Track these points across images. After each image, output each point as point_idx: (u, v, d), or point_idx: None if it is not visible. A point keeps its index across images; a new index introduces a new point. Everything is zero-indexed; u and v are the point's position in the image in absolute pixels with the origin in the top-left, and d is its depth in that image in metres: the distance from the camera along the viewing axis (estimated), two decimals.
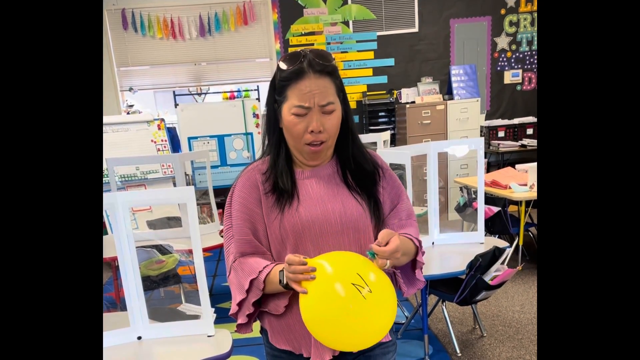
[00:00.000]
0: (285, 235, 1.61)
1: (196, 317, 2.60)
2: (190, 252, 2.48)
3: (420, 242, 1.72)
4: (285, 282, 1.49)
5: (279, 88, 1.60)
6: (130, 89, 7.23)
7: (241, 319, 1.63)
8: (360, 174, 1.70)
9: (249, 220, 1.64)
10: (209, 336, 2.48)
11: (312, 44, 7.43)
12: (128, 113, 6.84)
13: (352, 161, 1.70)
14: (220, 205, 6.69)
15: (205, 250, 2.53)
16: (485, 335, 3.93)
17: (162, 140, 6.35)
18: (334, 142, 1.65)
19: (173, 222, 4.44)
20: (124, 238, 2.42)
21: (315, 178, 1.67)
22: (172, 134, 6.75)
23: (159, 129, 6.41)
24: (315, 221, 1.60)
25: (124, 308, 2.53)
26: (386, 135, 4.99)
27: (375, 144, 4.87)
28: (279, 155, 1.66)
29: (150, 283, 3.36)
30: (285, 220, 1.60)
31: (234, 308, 1.63)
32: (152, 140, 6.29)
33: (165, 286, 3.53)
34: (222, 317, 2.53)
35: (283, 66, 1.56)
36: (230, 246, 1.66)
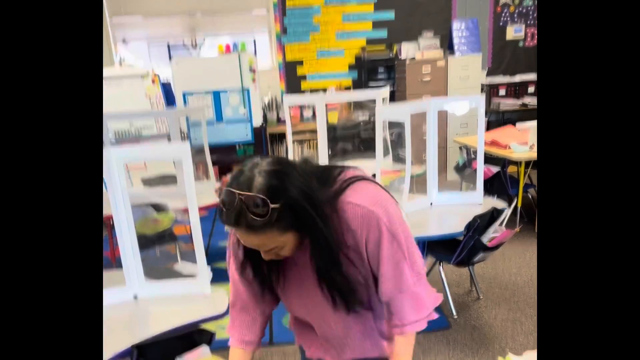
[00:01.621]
0: None
1: (192, 276, 2.62)
2: (186, 210, 2.48)
3: (418, 320, 1.60)
4: None
5: None
6: (124, 41, 7.15)
7: None
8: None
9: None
10: (205, 295, 2.51)
11: None
12: (121, 66, 6.78)
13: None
14: (216, 163, 6.70)
15: (201, 209, 2.55)
16: (481, 297, 3.99)
17: (156, 96, 6.31)
18: (293, 248, 1.45)
19: (168, 179, 4.45)
20: (118, 196, 2.43)
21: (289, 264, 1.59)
22: (167, 90, 6.70)
23: (153, 83, 6.36)
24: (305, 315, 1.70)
25: (119, 267, 2.55)
26: (385, 92, 4.96)
27: (374, 101, 4.85)
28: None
29: (145, 242, 3.38)
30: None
31: None
32: (146, 96, 6.25)
33: (160, 245, 3.56)
34: (218, 277, 2.55)
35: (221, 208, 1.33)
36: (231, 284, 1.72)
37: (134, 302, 2.54)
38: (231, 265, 1.64)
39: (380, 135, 3.90)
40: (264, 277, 1.59)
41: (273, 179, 1.28)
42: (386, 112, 4.07)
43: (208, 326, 2.35)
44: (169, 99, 6.65)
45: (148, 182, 4.61)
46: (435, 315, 1.61)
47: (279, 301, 1.74)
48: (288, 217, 1.31)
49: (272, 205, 1.27)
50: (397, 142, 4.92)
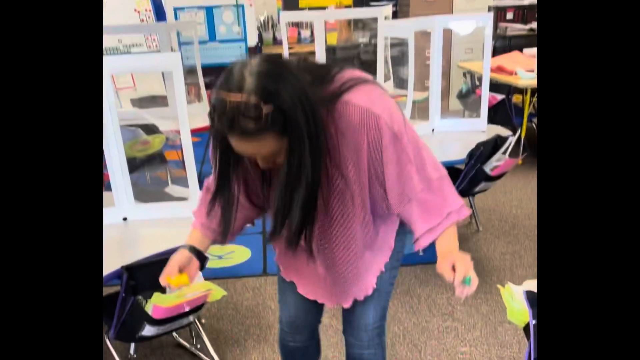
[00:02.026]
0: None
1: (183, 199, 2.60)
2: (177, 132, 2.43)
3: (450, 212, 1.54)
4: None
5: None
6: None
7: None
8: None
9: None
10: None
11: None
12: None
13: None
14: (209, 86, 6.57)
15: (193, 132, 2.49)
16: (480, 229, 3.99)
17: (146, 10, 6.13)
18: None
19: (159, 100, 4.37)
20: (106, 113, 2.35)
21: None
22: (157, 4, 6.50)
23: None
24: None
25: (108, 189, 2.52)
26: (387, 10, 4.82)
27: (375, 20, 4.72)
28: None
29: (135, 165, 3.34)
30: None
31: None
32: (135, 10, 6.07)
33: (151, 168, 3.52)
34: None
35: (212, 113, 1.27)
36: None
37: (123, 224, 2.52)
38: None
39: (382, 56, 3.82)
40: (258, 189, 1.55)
41: (265, 79, 1.21)
42: (389, 28, 3.97)
43: None
44: (159, 14, 6.46)
45: (137, 102, 4.54)
46: (463, 215, 1.55)
47: (261, 212, 1.68)
48: (283, 121, 1.23)
49: (265, 108, 1.19)
50: (398, 63, 4.83)
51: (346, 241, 1.61)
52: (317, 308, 1.91)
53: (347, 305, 1.76)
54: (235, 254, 3.60)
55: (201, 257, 1.63)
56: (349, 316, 1.85)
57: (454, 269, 1.43)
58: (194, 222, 1.67)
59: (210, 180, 1.59)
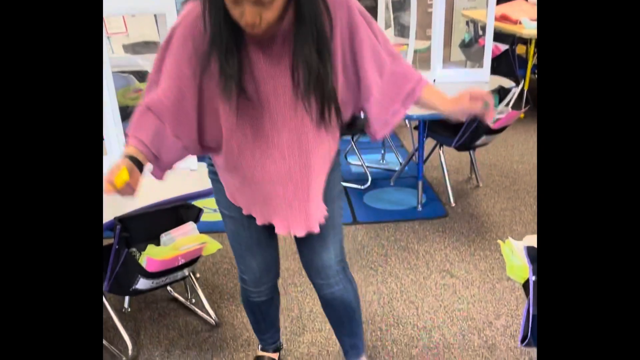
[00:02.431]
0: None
1: None
2: None
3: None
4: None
5: None
6: None
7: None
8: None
9: (179, 86, 1.55)
10: (191, 170, 2.49)
11: None
12: None
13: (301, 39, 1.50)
14: None
15: None
16: (481, 185, 4.01)
17: None
18: (274, 17, 1.41)
19: (152, 46, 4.30)
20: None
21: (262, 53, 1.53)
22: None
23: None
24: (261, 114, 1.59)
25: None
26: None
27: None
28: (223, 22, 1.43)
29: (128, 114, 3.30)
30: (232, 116, 1.58)
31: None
32: None
33: None
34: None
35: None
36: (149, 90, 1.63)
37: None
38: (175, 62, 1.55)
39: (383, 2, 3.78)
40: (232, 73, 1.49)
41: None
42: None
43: (195, 202, 2.36)
44: None
45: (130, 48, 4.47)
46: (425, 82, 1.71)
47: (197, 139, 1.65)
48: None
49: None
50: (399, 9, 4.78)
51: (316, 144, 1.65)
52: (276, 264, 2.01)
53: (316, 229, 1.75)
54: None
55: (140, 168, 1.59)
56: (312, 259, 1.91)
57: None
58: (129, 139, 1.62)
59: (153, 102, 1.60)
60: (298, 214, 1.72)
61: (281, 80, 1.53)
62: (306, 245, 1.89)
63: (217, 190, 1.84)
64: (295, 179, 1.66)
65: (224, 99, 1.52)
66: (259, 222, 1.77)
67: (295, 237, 1.81)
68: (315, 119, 1.58)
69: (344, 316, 2.04)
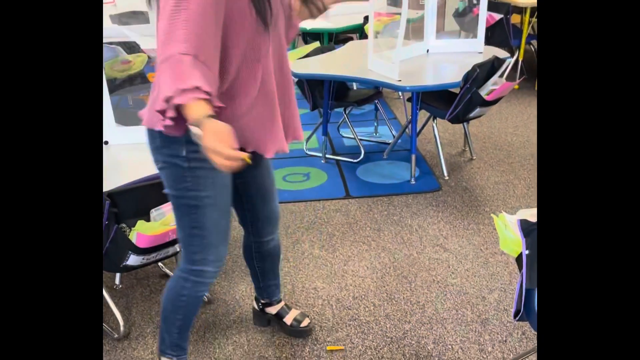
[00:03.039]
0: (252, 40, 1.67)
1: None
2: None
3: None
4: (199, 131, 1.44)
5: None
6: None
7: (169, 113, 1.50)
8: None
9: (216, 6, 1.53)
10: None
11: None
12: None
13: None
14: None
15: None
16: (474, 158, 4.05)
17: None
18: None
19: (140, 16, 4.28)
20: None
21: None
22: None
23: None
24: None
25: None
26: None
27: None
28: None
29: (116, 86, 3.32)
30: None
31: (161, 104, 1.48)
32: None
33: (132, 88, 3.50)
34: None
35: None
36: (179, 31, 1.48)
37: (105, 149, 2.53)
38: (196, 11, 1.49)
39: None
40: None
41: None
42: None
43: None
44: None
45: (117, 18, 4.45)
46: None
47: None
48: None
49: None
50: None
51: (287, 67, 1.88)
52: None
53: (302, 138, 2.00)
54: None
55: None
56: (272, 210, 2.14)
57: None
58: (197, 93, 1.45)
59: (195, 49, 1.49)
60: (290, 129, 1.92)
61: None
62: (265, 197, 2.08)
63: (201, 176, 1.74)
64: (286, 95, 1.87)
65: (249, 17, 1.62)
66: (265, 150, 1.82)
67: (250, 193, 2.04)
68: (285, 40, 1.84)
69: (277, 259, 2.32)
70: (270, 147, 1.81)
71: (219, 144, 1.40)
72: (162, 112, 1.49)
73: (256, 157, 1.95)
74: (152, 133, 1.72)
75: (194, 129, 1.45)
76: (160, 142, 1.71)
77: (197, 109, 1.44)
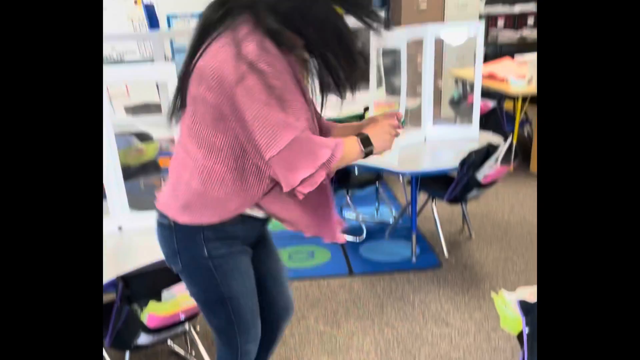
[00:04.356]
0: None
1: None
2: (171, 140, 2.43)
3: None
4: (371, 148, 1.57)
5: None
6: None
7: (298, 195, 1.50)
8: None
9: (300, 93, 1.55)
10: None
11: None
12: None
13: None
14: None
15: None
16: (473, 236, 4.00)
17: (139, 19, 6.13)
18: None
19: (152, 108, 4.35)
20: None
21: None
22: (150, 12, 6.50)
23: (135, 3, 6.17)
24: None
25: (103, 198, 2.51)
26: None
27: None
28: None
29: (129, 172, 3.32)
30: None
31: (289, 184, 1.46)
32: (128, 18, 6.08)
33: (145, 176, 3.51)
34: None
35: None
36: (280, 111, 1.42)
37: (118, 233, 2.50)
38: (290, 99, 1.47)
39: (374, 64, 3.82)
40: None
41: None
42: (381, 37, 3.98)
43: None
44: (153, 23, 6.46)
45: (131, 110, 4.52)
46: None
47: None
48: None
49: None
50: (391, 72, 4.84)
51: None
52: None
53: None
54: None
55: None
56: (284, 293, 1.98)
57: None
58: (335, 155, 1.49)
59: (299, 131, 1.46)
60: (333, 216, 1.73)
61: None
62: (277, 280, 1.94)
63: (227, 269, 1.68)
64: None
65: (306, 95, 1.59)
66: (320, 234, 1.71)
67: (263, 277, 1.86)
68: None
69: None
70: (329, 229, 1.70)
71: (387, 134, 1.60)
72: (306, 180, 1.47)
73: (262, 240, 1.87)
74: (166, 235, 1.67)
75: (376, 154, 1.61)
76: (177, 247, 1.66)
77: (351, 151, 1.56)
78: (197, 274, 1.69)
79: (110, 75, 2.54)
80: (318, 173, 1.46)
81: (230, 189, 1.55)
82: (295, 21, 1.44)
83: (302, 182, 1.45)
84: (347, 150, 1.52)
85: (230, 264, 1.68)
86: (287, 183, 1.47)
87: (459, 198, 3.52)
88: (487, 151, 3.37)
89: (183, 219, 1.60)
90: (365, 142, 1.55)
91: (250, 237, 1.74)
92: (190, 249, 1.64)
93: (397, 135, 1.62)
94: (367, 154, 1.57)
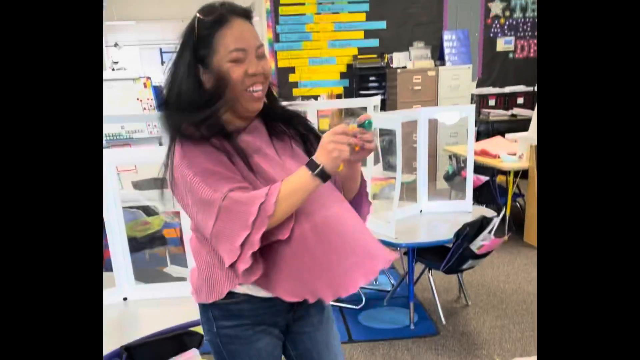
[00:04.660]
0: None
1: (182, 279, 2.61)
2: (176, 214, 2.48)
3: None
4: (321, 166, 1.37)
5: (201, 41, 1.44)
6: (116, 45, 7.12)
7: (244, 263, 1.38)
8: (290, 121, 1.66)
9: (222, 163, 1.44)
10: (194, 298, 2.50)
11: (303, 4, 7.35)
12: (113, 70, 6.75)
13: (279, 112, 1.64)
14: None
15: None
16: (470, 304, 3.99)
17: (147, 99, 6.29)
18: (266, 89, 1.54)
19: (159, 182, 4.41)
20: (110, 198, 2.42)
21: (252, 135, 1.54)
22: (159, 93, 6.67)
23: (145, 87, 6.34)
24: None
25: (109, 269, 2.54)
26: (376, 100, 4.97)
27: (365, 108, 4.86)
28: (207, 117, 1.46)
29: (136, 244, 3.36)
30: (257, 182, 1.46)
31: (231, 256, 1.38)
32: (137, 99, 6.23)
33: (151, 248, 3.54)
34: None
35: (203, 17, 1.44)
36: (204, 189, 1.40)
37: (123, 304, 2.52)
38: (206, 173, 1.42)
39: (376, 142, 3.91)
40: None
41: None
42: (378, 119, 4.08)
43: (197, 329, 2.34)
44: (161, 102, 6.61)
45: (138, 185, 4.58)
46: None
47: None
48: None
49: None
50: (387, 150, 4.94)
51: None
52: None
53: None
54: None
55: None
56: None
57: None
58: (271, 195, 1.37)
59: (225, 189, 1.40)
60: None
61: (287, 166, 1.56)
62: (331, 349, 1.74)
63: (234, 350, 1.62)
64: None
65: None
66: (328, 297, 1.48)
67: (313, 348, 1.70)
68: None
69: None
70: (353, 280, 1.46)
71: (330, 143, 1.38)
72: (234, 262, 1.39)
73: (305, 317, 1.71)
74: (201, 306, 1.67)
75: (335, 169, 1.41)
76: (202, 317, 1.69)
77: (297, 182, 1.40)
78: (212, 349, 1.68)
79: (122, 157, 2.64)
80: (255, 231, 1.35)
81: (212, 268, 1.54)
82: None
83: (242, 247, 1.36)
84: (291, 184, 1.38)
85: (238, 343, 1.61)
86: (228, 256, 1.39)
87: (454, 268, 3.54)
88: (481, 223, 3.41)
89: (195, 298, 1.66)
90: (312, 163, 1.38)
91: (270, 319, 1.62)
92: (205, 324, 1.67)
93: (354, 143, 1.40)
94: (321, 175, 1.37)
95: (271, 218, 1.35)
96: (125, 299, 2.53)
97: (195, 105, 1.45)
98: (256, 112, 1.54)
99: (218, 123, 1.47)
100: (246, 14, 1.49)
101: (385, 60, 7.38)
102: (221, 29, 1.44)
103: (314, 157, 1.39)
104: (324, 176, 1.38)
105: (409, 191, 4.21)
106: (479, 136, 7.23)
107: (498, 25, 7.72)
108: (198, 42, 1.45)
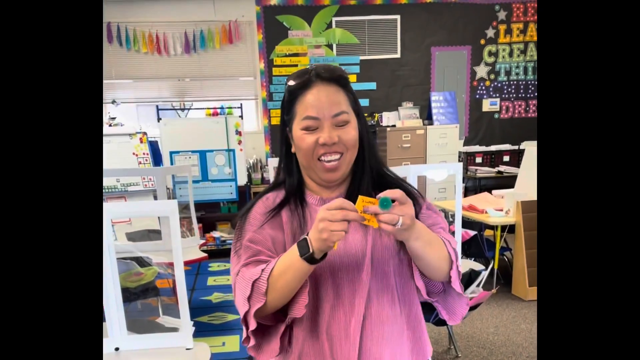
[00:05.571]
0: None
1: (175, 329, 2.56)
2: (169, 264, 2.45)
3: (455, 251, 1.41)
4: (311, 249, 1.21)
5: (287, 106, 1.41)
6: (113, 102, 7.17)
7: (250, 340, 1.34)
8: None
9: (261, 239, 1.39)
10: (187, 349, 2.44)
11: (296, 65, 7.46)
12: (110, 125, 6.78)
13: (365, 184, 1.45)
14: (201, 220, 6.65)
15: (184, 263, 2.50)
16: (460, 355, 3.92)
17: (143, 154, 6.30)
18: (353, 158, 1.41)
19: (153, 234, 4.38)
20: (104, 249, 2.38)
21: None
22: (154, 148, 6.70)
23: (141, 142, 6.36)
24: (335, 258, 1.36)
25: (102, 319, 2.48)
26: None
27: None
28: (291, 178, 1.47)
29: (128, 295, 3.30)
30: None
31: (244, 332, 1.34)
32: (133, 154, 6.25)
33: (144, 298, 3.48)
34: (201, 331, 2.48)
35: (290, 82, 1.39)
36: (233, 258, 1.40)
37: (115, 355, 2.46)
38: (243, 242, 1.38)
39: None
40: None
41: None
42: None
43: None
44: (156, 157, 6.64)
45: (132, 236, 4.54)
46: None
47: None
48: (351, 93, 1.41)
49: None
50: None
51: None
52: None
53: None
54: None
55: None
56: None
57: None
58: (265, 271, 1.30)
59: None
60: None
61: (351, 239, 1.43)
62: None
63: None
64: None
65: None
66: None
67: None
68: None
69: None
70: None
71: (320, 223, 1.19)
72: (247, 339, 1.34)
73: None
74: None
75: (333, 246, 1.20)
76: None
77: (288, 262, 1.26)
78: None
79: (118, 211, 2.61)
80: (252, 307, 1.28)
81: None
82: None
83: (244, 322, 1.31)
84: (282, 263, 1.28)
85: None
86: (244, 329, 1.34)
87: (444, 321, 3.48)
88: (470, 276, 3.38)
89: None
90: (302, 244, 1.24)
91: None
92: None
93: (354, 219, 1.19)
94: (309, 260, 1.23)
95: (267, 295, 1.28)
96: (117, 349, 2.47)
97: (284, 167, 1.51)
98: (332, 182, 1.44)
99: (297, 185, 1.48)
100: (334, 79, 1.37)
101: (376, 119, 7.47)
102: (302, 94, 1.37)
103: (308, 235, 1.24)
104: (312, 260, 1.23)
105: None
106: (467, 192, 7.26)
107: (484, 87, 7.85)
108: (285, 106, 1.44)
